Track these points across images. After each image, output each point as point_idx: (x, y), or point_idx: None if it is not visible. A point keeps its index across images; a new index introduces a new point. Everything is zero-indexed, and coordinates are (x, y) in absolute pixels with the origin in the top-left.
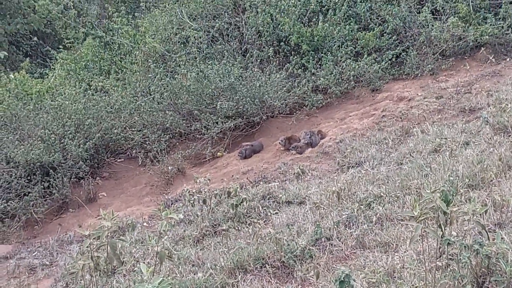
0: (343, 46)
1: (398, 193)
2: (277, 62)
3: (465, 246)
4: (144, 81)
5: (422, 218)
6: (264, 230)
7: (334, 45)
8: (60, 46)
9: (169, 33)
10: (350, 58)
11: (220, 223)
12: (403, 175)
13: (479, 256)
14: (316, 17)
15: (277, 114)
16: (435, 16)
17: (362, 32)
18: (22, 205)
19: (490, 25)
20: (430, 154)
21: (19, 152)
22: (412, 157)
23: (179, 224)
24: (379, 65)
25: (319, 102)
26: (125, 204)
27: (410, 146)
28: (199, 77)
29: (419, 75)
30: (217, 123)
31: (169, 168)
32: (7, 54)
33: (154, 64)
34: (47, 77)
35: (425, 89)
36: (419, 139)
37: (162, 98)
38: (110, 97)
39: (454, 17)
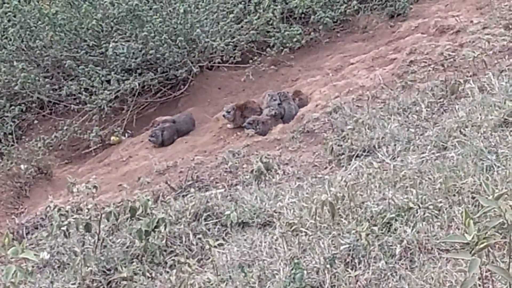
0: None
1: (440, 201)
2: None
3: None
4: None
5: (482, 246)
6: (198, 277)
7: None
8: None
9: None
10: None
11: (117, 267)
12: (448, 169)
13: None
14: None
15: (219, 63)
16: None
17: None
18: None
19: None
20: (496, 129)
21: None
22: (464, 136)
23: (42, 269)
24: None
25: (295, 39)
26: None
27: (459, 117)
28: None
29: None
30: (108, 82)
31: (22, 167)
32: None
33: None
34: None
35: (486, 11)
36: (475, 103)
37: (5, 38)
38: None
39: None
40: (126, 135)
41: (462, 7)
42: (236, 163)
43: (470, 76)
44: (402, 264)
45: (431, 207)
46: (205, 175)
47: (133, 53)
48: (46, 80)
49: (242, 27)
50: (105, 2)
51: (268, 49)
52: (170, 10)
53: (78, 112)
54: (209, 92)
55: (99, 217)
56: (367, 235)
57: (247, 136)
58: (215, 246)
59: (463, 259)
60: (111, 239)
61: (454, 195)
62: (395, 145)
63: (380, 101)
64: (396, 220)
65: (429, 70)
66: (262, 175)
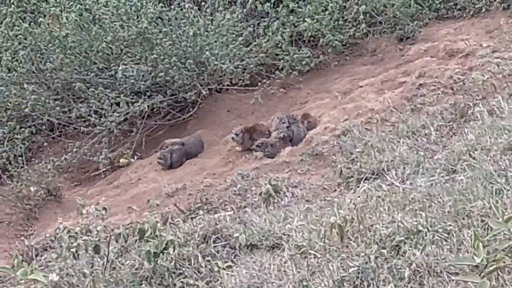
0: None
1: (449, 224)
2: None
3: None
4: None
5: (492, 268)
6: None
7: None
8: None
9: None
10: None
11: None
12: (458, 192)
13: None
14: None
15: (228, 86)
16: None
17: None
18: None
19: None
20: (506, 152)
21: None
22: (473, 159)
23: None
24: None
25: (304, 62)
26: None
27: (469, 140)
28: (83, 21)
29: (483, 10)
30: (118, 104)
31: (32, 189)
32: None
33: None
34: None
35: (495, 35)
36: (484, 127)
37: (16, 60)
38: None
39: None
40: (135, 157)
41: (472, 30)
42: (245, 185)
43: (480, 99)
44: (411, 287)
45: (440, 230)
46: (214, 198)
47: (143, 75)
48: (56, 102)
49: (251, 50)
50: (115, 25)
51: (277, 72)
52: (179, 33)
53: (88, 135)
54: (218, 114)
55: (108, 239)
56: (376, 258)
57: (255, 159)
58: (223, 269)
59: (472, 282)
60: (120, 261)
61: (463, 218)
62: (404, 168)
63: (389, 124)
64: (405, 243)
65: (438, 94)
66: (270, 198)
